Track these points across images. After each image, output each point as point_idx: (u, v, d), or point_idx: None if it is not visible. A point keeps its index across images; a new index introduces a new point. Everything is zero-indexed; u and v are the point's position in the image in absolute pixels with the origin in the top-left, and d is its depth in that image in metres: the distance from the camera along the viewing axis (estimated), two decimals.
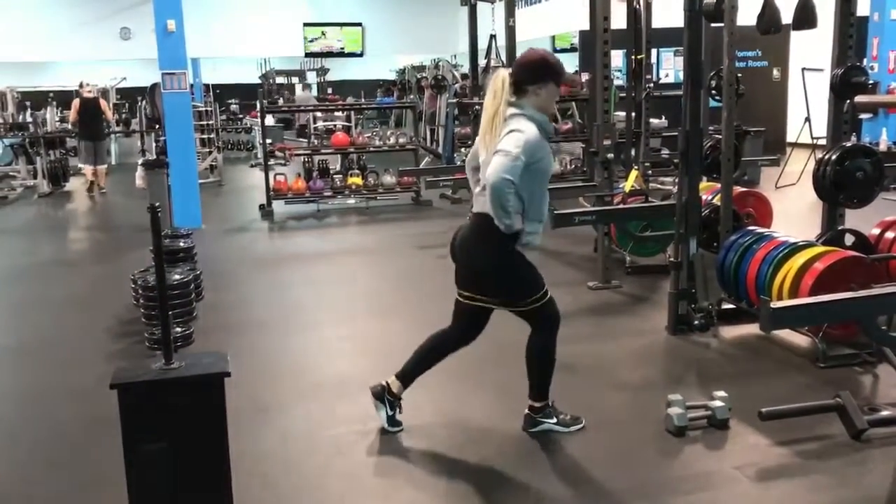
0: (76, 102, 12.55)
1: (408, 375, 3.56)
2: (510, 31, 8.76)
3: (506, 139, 3.17)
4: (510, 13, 8.68)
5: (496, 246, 3.28)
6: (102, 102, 12.90)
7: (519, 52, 8.95)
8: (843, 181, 4.66)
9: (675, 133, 4.89)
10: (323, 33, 19.71)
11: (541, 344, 3.45)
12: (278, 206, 9.80)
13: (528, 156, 3.14)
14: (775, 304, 3.50)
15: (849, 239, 5.01)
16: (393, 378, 3.57)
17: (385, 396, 3.56)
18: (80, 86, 12.71)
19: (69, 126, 13.48)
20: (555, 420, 3.53)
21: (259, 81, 23.15)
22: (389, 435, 3.55)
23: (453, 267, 3.46)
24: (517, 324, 3.47)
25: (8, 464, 3.50)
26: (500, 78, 3.29)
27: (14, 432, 3.84)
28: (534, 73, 3.28)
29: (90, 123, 12.34)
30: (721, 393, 3.61)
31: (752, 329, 4.67)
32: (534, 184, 3.25)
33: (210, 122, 14.18)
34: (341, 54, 20.30)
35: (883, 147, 9.80)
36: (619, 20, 6.00)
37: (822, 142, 5.00)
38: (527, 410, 3.55)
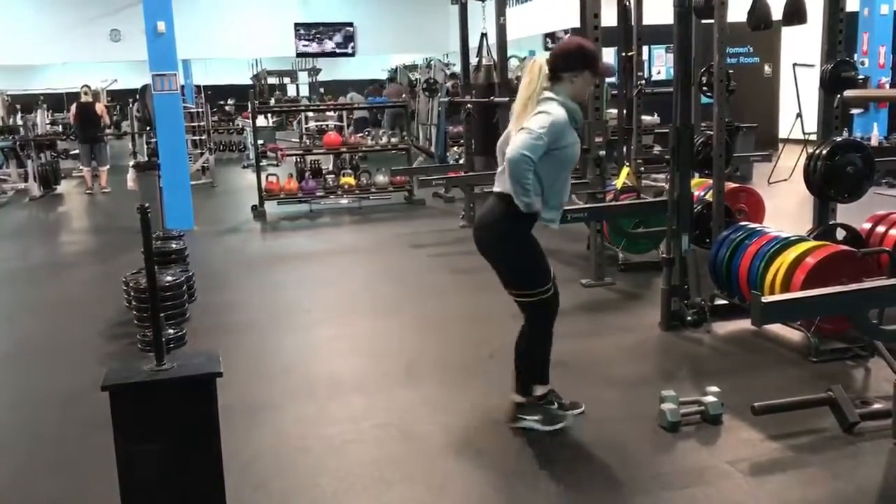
0: (74, 107, 12.93)
1: (526, 382, 3.51)
2: (501, 30, 8.76)
3: (532, 119, 3.19)
4: (501, 11, 8.69)
5: (512, 224, 3.29)
6: (99, 106, 13.04)
7: (510, 51, 8.95)
8: (834, 176, 4.67)
9: (667, 130, 4.89)
10: (317, 37, 19.76)
11: (532, 337, 3.45)
12: (270, 207, 9.79)
13: (551, 137, 3.15)
14: (767, 299, 3.49)
15: (840, 233, 5.02)
16: (514, 394, 3.52)
17: (538, 404, 3.50)
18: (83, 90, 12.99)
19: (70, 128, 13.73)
20: (537, 417, 3.50)
21: (251, 82, 23.14)
22: (382, 434, 3.55)
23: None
24: (515, 324, 3.48)
25: (1, 467, 3.48)
26: (538, 64, 3.31)
27: (7, 435, 3.83)
28: (570, 60, 3.30)
29: (87, 127, 12.65)
30: (714, 388, 3.62)
31: (745, 324, 4.66)
32: (556, 170, 3.27)
33: (202, 124, 14.17)
34: (333, 54, 20.30)
35: (874, 142, 9.83)
36: (609, 17, 5.98)
37: (814, 137, 5.00)
38: (511, 404, 3.54)
